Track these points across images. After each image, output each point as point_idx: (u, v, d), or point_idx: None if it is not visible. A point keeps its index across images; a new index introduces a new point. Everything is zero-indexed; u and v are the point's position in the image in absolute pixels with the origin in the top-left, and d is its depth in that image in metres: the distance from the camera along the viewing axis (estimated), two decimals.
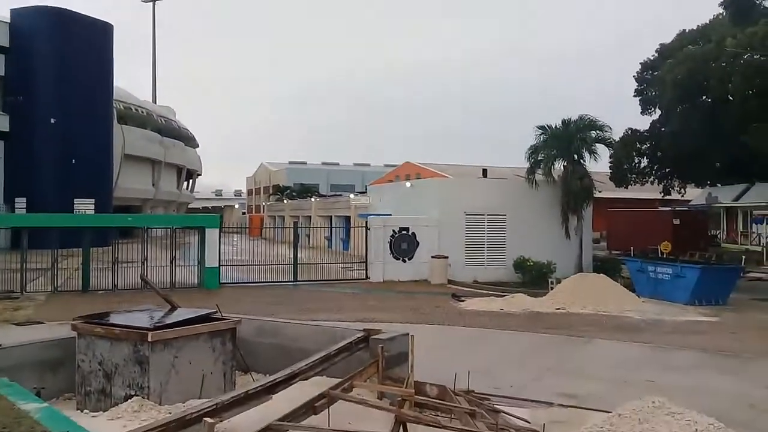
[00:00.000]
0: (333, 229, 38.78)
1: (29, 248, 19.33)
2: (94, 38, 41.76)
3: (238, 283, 21.31)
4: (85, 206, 38.83)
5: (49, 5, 40.34)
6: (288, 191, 68.97)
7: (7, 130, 39.68)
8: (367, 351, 7.60)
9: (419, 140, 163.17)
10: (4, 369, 6.99)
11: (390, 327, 11.28)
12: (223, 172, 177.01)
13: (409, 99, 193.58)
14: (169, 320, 7.28)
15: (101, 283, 19.40)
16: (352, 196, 41.17)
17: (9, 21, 40.05)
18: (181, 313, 7.71)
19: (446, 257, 21.90)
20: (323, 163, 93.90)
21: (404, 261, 22.47)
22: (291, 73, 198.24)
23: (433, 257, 21.99)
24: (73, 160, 39.35)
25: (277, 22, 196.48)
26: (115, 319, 7.25)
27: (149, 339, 6.54)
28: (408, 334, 7.75)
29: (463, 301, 17.69)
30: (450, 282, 21.75)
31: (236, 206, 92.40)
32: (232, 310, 15.85)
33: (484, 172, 28.00)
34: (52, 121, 39.16)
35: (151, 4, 77.12)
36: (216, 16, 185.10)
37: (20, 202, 38.77)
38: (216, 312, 7.88)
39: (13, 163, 39.51)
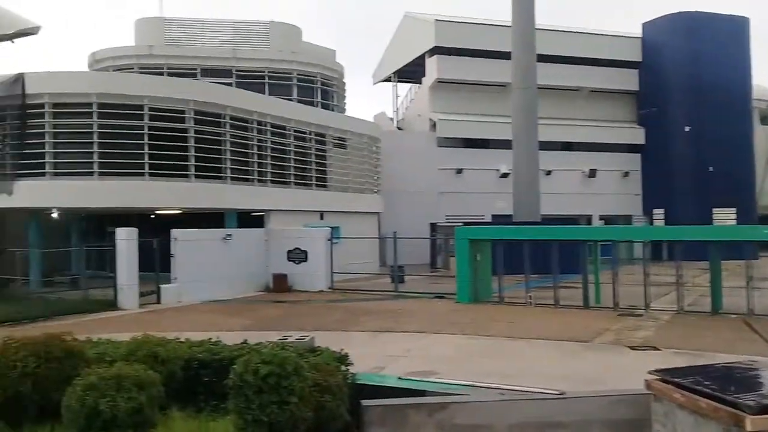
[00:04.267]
0: None
1: (667, 261, 18.35)
2: (728, 37, 38.63)
3: None
4: (725, 216, 36.19)
5: (681, 11, 39.26)
6: None
7: (643, 142, 40.39)
8: None
9: None
10: (565, 425, 5.59)
11: None
12: None
13: None
14: None
15: (735, 305, 16.66)
16: None
17: (641, 36, 40.84)
18: None
19: None
20: None
21: None
22: None
23: None
24: (710, 168, 37.12)
25: None
26: (707, 380, 4.95)
27: (747, 427, 4.08)
28: None
29: None
30: None
31: None
32: None
33: None
34: (686, 129, 37.84)
35: None
36: None
37: (658, 214, 38.81)
38: None
39: (650, 175, 39.94)
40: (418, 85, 41.80)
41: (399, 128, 42.66)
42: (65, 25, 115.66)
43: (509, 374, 9.62)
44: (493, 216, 34.97)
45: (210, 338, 8.38)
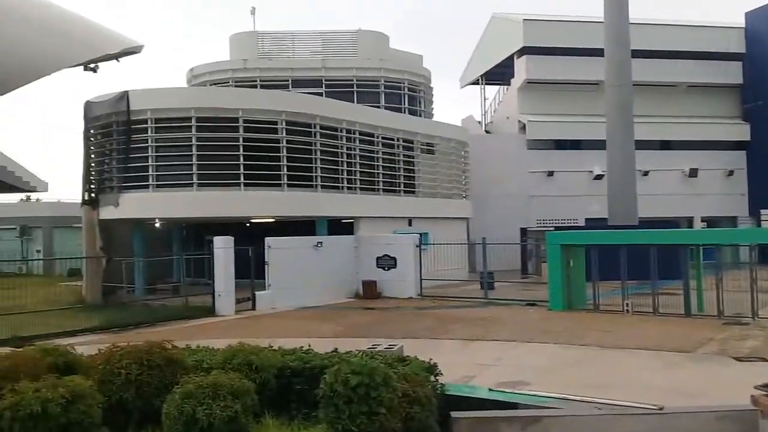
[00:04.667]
0: None
1: None
2: None
3: None
4: None
5: None
6: None
7: (748, 139, 38.19)
8: None
9: None
10: None
11: None
12: None
13: None
14: None
15: None
16: None
17: (743, 26, 38.72)
18: None
19: None
20: None
21: None
22: None
23: None
24: None
25: None
26: None
27: None
28: None
29: None
30: None
31: None
32: None
33: None
34: None
35: None
36: None
37: (766, 215, 36.57)
38: None
39: (756, 173, 37.71)
40: (506, 86, 41.24)
41: (487, 131, 42.22)
42: (168, 43, 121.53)
43: (605, 386, 9.29)
44: (587, 220, 33.94)
45: (302, 346, 8.55)
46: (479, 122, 43.42)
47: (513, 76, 38.53)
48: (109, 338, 15.04)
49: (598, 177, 34.10)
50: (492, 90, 44.76)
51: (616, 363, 11.60)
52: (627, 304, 17.80)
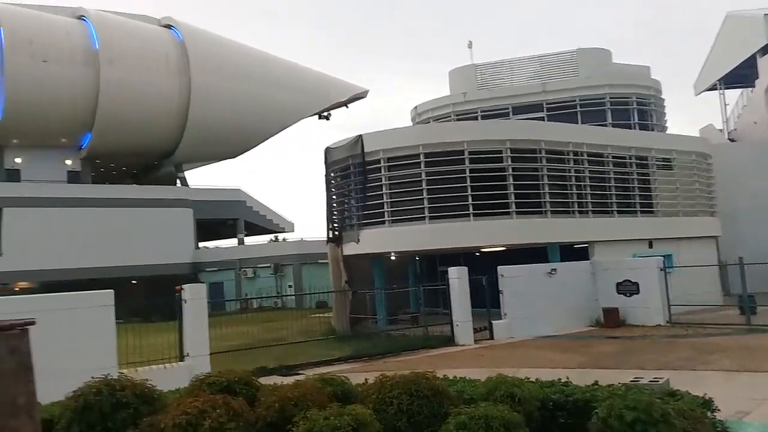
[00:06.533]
0: None
1: None
2: None
3: None
4: None
5: None
6: None
7: None
8: None
9: None
10: None
11: None
12: None
13: None
14: None
15: None
16: None
17: None
18: None
19: None
20: None
21: None
22: None
23: None
24: None
25: None
26: None
27: None
28: None
29: None
30: None
31: None
32: None
33: None
34: None
35: None
36: None
37: None
38: None
39: None
40: (750, 89, 37.39)
41: (731, 140, 38.48)
42: (391, 84, 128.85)
43: None
44: None
45: (559, 378, 8.36)
46: (721, 130, 39.76)
47: (757, 77, 34.91)
48: (360, 367, 15.95)
49: None
50: (732, 95, 40.93)
51: None
52: None
